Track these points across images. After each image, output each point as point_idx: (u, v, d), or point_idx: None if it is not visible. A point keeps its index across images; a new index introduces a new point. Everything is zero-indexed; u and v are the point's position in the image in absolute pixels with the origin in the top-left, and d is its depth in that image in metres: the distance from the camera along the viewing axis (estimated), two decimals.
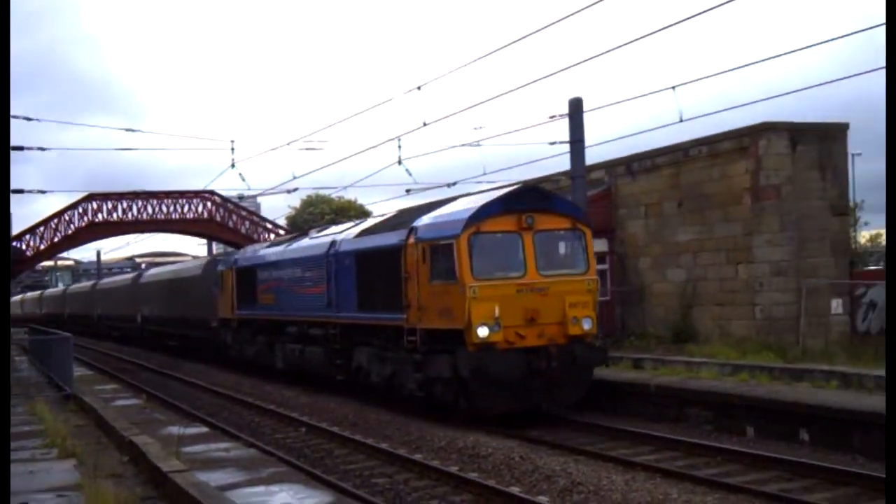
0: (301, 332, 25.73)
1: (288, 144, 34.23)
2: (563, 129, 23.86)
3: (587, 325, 18.00)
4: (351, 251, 22.35)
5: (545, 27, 18.33)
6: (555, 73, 21.88)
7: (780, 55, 26.61)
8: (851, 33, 23.41)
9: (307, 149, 30.31)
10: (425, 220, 19.17)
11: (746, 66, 26.99)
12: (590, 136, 25.18)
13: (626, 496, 11.89)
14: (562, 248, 18.59)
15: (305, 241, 26.77)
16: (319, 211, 62.43)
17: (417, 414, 19.37)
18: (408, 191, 30.26)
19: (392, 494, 12.74)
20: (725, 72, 19.66)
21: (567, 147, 23.76)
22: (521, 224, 17.81)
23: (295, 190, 35.93)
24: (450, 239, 17.67)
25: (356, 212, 56.82)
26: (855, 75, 18.54)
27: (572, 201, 18.45)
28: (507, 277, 17.78)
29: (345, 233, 23.81)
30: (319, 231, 27.38)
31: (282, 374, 28.15)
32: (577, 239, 18.48)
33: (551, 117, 23.89)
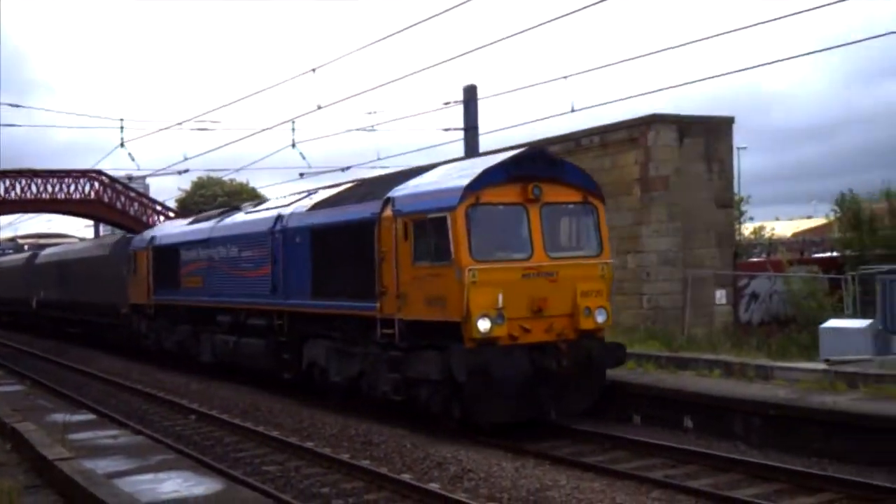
0: (236, 321, 22.30)
1: (179, 124, 32.98)
2: (457, 116, 24.13)
3: (601, 318, 15.16)
4: (304, 227, 19.07)
5: (440, 13, 17.90)
6: (450, 59, 22.57)
7: (670, 48, 27.92)
8: (740, 28, 26.62)
9: (199, 129, 29.63)
10: (405, 189, 16.07)
11: (636, 58, 29.41)
12: (484, 124, 25.92)
13: (516, 482, 12.08)
14: (571, 225, 15.70)
15: (241, 217, 23.29)
16: (211, 193, 61.48)
17: (308, 402, 19.11)
18: (301, 175, 29.67)
19: (283, 482, 12.72)
20: (615, 63, 19.15)
21: (461, 134, 24.01)
22: (526, 195, 14.83)
23: (186, 171, 35.45)
24: (442, 211, 14.60)
25: (248, 195, 56.54)
26: (741, 70, 19.35)
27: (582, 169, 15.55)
28: (510, 259, 14.82)
29: (293, 206, 20.47)
30: (256, 206, 23.84)
31: (209, 369, 24.68)
32: (589, 214, 15.60)
33: (446, 103, 24.11)
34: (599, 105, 30.34)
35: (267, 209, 22.04)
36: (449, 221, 14.42)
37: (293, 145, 27.41)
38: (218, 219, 24.71)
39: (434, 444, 14.64)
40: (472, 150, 23.39)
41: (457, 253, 14.30)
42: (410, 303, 15.27)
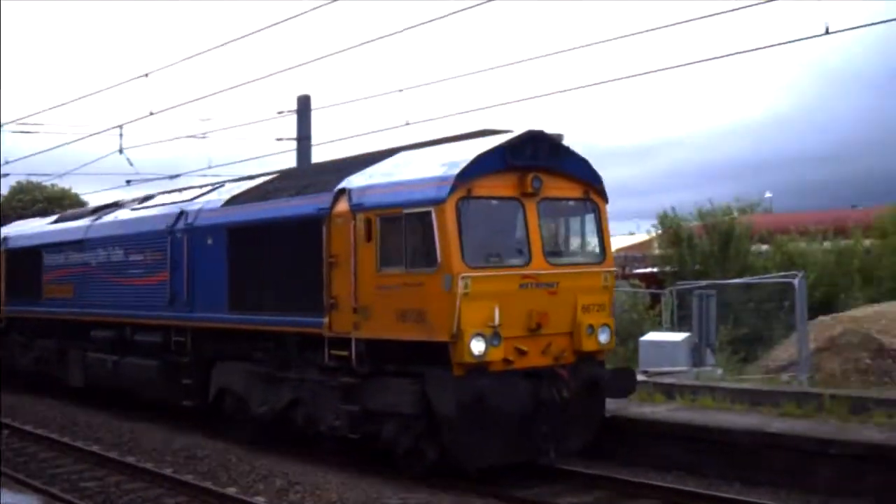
0: (119, 337, 18.64)
1: None
2: (291, 126, 24.17)
3: (604, 338, 12.65)
4: (219, 226, 15.83)
5: (276, 23, 17.24)
6: (284, 69, 21.06)
7: (501, 66, 28.40)
8: (577, 47, 26.60)
9: (20, 132, 27.85)
10: (366, 178, 13.17)
11: (471, 73, 29.89)
12: (318, 135, 25.56)
13: (342, 495, 11.83)
14: (571, 225, 13.16)
15: (127, 214, 19.66)
16: (31, 198, 57.30)
17: (129, 416, 18.38)
18: (128, 181, 28.18)
19: (102, 498, 12.31)
20: (450, 78, 17.95)
21: (294, 144, 23.98)
22: (524, 187, 12.19)
23: (6, 175, 33.71)
24: (425, 205, 11.78)
25: (71, 201, 53.62)
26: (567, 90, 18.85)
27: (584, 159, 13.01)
28: (505, 265, 12.15)
29: (200, 200, 17.15)
30: (142, 202, 20.27)
31: (81, 394, 20.88)
32: (591, 213, 13.09)
33: (279, 113, 24.03)
34: (434, 119, 29.57)
35: (161, 205, 18.58)
36: (434, 217, 11.63)
37: (120, 151, 25.99)
38: (95, 216, 20.94)
39: (259, 458, 14.23)
40: (304, 160, 23.36)
41: (445, 257, 11.51)
42: (374, 318, 12.38)
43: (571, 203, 12.89)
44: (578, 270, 12.59)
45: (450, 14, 15.48)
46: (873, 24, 12.93)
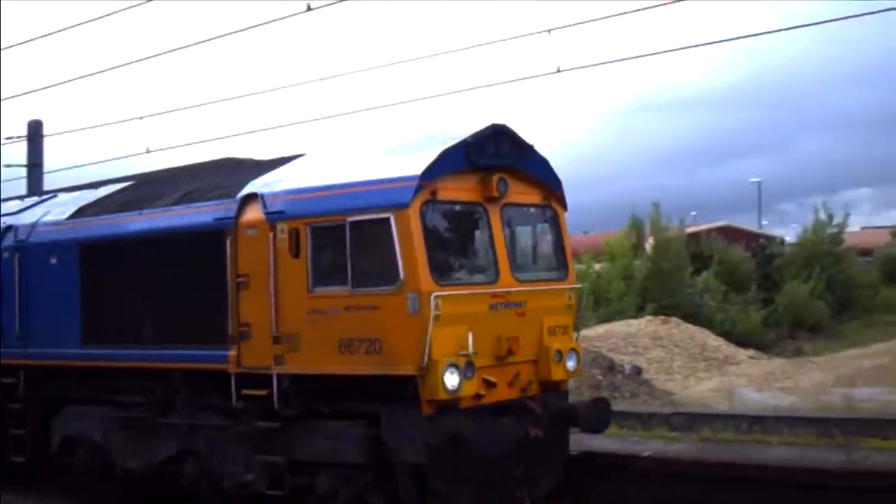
0: None
1: None
2: (20, 152, 23.50)
3: (572, 365, 10.99)
4: (65, 242, 12.95)
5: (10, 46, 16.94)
6: (14, 96, 20.27)
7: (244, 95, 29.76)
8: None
9: None
10: (278, 182, 10.92)
11: (214, 102, 30.11)
12: (51, 161, 24.20)
13: None
14: (531, 235, 11.43)
15: None
16: None
17: None
18: None
19: None
20: (192, 106, 17.05)
21: (24, 171, 23.28)
22: (488, 190, 10.39)
23: None
24: (381, 210, 9.72)
25: None
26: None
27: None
28: (471, 283, 10.27)
29: (31, 212, 14.13)
30: None
31: None
32: (551, 221, 11.42)
33: (8, 139, 23.02)
34: (175, 147, 28.76)
35: None
36: (394, 225, 9.59)
37: None
38: None
39: None
40: (35, 188, 22.10)
41: (410, 273, 9.49)
42: (305, 349, 10.16)
43: (532, 210, 11.19)
44: (545, 288, 10.90)
45: (195, 44, 16.11)
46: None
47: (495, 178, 10.32)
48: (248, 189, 11.01)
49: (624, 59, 20.82)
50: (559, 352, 10.71)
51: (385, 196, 9.75)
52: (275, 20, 14.34)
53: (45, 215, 13.68)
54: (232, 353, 10.72)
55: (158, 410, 11.78)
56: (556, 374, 10.69)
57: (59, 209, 13.77)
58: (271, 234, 10.44)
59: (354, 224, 9.86)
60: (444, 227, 10.12)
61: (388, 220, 9.62)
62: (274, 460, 10.44)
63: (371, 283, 9.75)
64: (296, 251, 10.24)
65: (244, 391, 10.63)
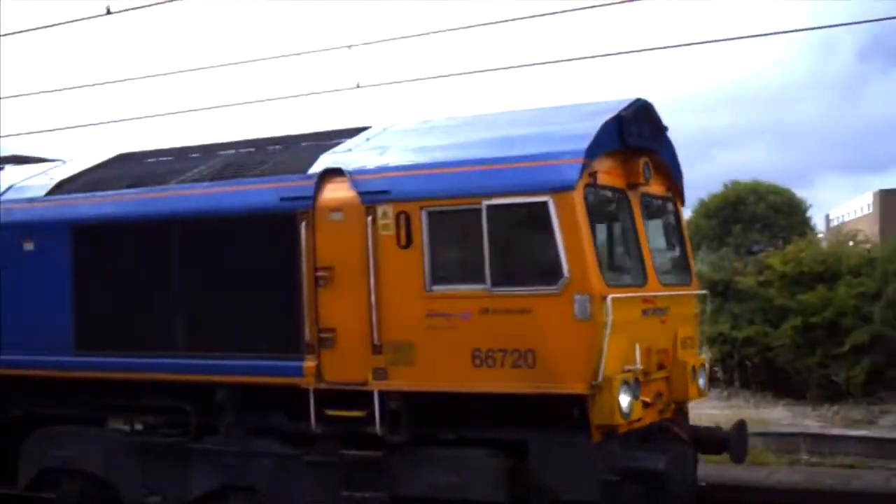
0: None
1: None
2: None
3: (703, 382, 9.48)
4: (51, 223, 10.41)
5: None
6: None
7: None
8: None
9: None
10: (368, 154, 8.96)
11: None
12: None
13: None
14: (661, 231, 9.84)
15: None
16: None
17: None
18: None
19: None
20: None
21: None
22: (633, 175, 8.80)
23: None
24: (535, 193, 7.94)
25: None
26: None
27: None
28: (624, 285, 8.62)
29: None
30: None
31: None
32: (675, 217, 9.90)
33: None
34: None
35: None
36: (554, 211, 7.84)
37: None
38: None
39: None
40: None
41: (577, 269, 7.76)
42: (422, 361, 8.27)
43: (659, 202, 9.64)
44: (686, 293, 9.39)
45: None
46: None
47: (642, 161, 8.75)
48: (326, 163, 8.98)
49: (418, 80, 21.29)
50: (694, 368, 9.20)
51: (537, 175, 7.99)
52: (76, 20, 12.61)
53: (18, 190, 11.03)
54: (309, 363, 8.68)
55: (191, 434, 9.52)
56: (693, 394, 9.18)
57: (23, 184, 11.16)
58: (369, 219, 8.48)
59: (494, 208, 8.05)
60: (600, 217, 8.47)
61: (545, 204, 7.86)
62: (371, 497, 8.45)
63: (519, 282, 7.98)
64: (406, 240, 8.34)
65: (328, 412, 8.60)
